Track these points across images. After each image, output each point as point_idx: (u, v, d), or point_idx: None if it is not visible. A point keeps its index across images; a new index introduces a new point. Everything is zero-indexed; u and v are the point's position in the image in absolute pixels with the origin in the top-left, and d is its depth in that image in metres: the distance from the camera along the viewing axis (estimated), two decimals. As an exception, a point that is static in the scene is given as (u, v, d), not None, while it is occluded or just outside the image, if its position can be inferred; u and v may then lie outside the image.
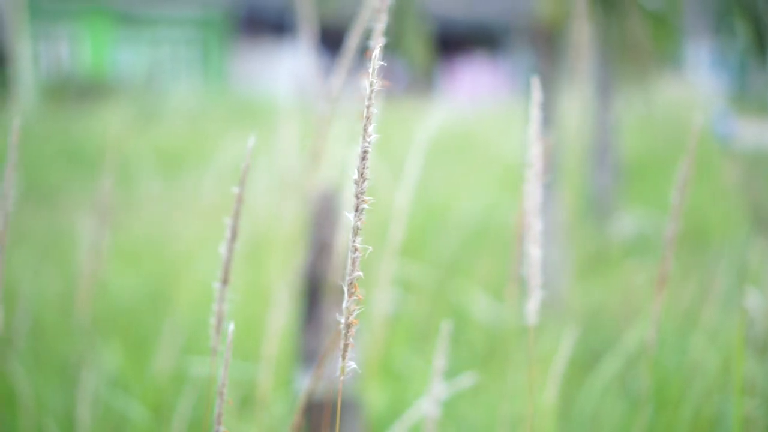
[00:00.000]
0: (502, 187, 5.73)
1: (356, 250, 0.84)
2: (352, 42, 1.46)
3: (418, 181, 5.82)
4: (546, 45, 4.54)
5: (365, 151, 0.83)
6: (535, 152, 1.16)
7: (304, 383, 1.89)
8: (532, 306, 1.13)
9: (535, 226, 1.13)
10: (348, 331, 0.88)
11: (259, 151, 5.14)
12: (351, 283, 0.86)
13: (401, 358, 2.28)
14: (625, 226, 4.38)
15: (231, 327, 0.93)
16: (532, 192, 1.15)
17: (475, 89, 17.13)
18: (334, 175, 2.39)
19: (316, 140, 1.49)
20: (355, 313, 0.87)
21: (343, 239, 1.90)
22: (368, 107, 0.82)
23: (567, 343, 2.58)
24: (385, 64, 1.15)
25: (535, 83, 1.11)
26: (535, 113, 1.13)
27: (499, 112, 11.64)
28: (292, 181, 1.74)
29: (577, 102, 8.63)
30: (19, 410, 2.18)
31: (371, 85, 0.82)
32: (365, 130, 0.82)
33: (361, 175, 0.83)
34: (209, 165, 4.63)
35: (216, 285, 1.10)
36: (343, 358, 0.89)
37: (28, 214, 6.02)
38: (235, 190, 1.06)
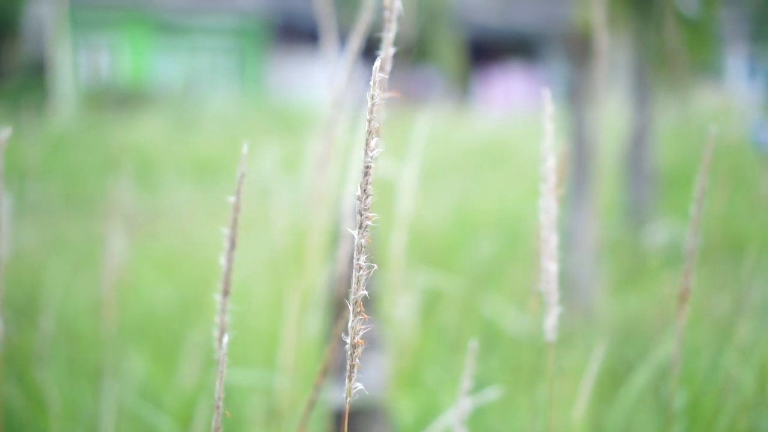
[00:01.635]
0: (535, 197, 5.69)
1: (361, 268, 0.83)
2: (354, 45, 1.45)
3: (452, 191, 5.78)
4: (581, 53, 4.51)
5: (368, 167, 0.81)
6: (549, 166, 1.14)
7: (331, 395, 1.89)
8: (551, 322, 1.12)
9: (551, 240, 1.11)
10: (354, 352, 0.85)
11: (292, 161, 5.16)
12: (356, 302, 0.84)
13: (431, 368, 2.27)
14: (660, 237, 4.33)
15: (225, 339, 0.92)
16: (548, 207, 1.13)
17: (510, 97, 17.07)
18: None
19: (322, 148, 1.48)
20: (361, 333, 0.85)
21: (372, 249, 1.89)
22: (370, 121, 0.81)
23: (597, 355, 2.54)
24: (414, 72, 1.13)
25: (546, 95, 1.10)
26: (548, 127, 1.11)
27: (534, 121, 11.59)
28: (319, 192, 1.74)
29: (612, 111, 8.55)
30: (49, 418, 2.20)
31: (373, 98, 0.81)
32: (367, 144, 0.81)
33: (364, 191, 0.82)
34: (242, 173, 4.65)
35: (216, 297, 1.10)
36: (350, 379, 0.86)
37: (66, 222, 6.08)
38: (231, 199, 1.06)
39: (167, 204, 5.58)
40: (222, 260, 1.02)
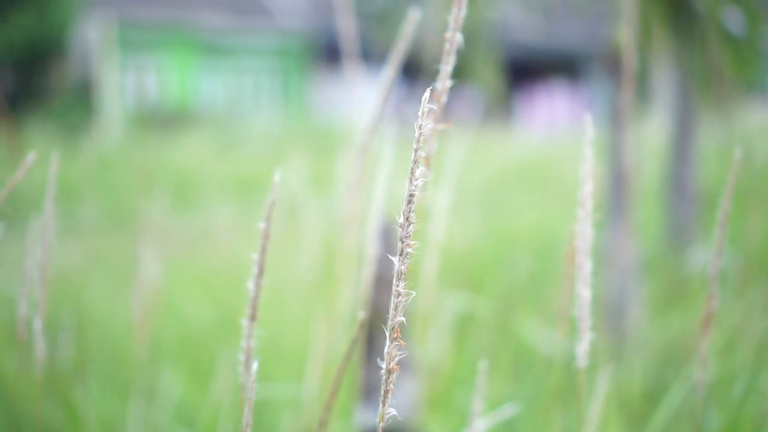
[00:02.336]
0: (571, 217, 5.66)
1: (399, 294, 0.83)
2: (392, 69, 1.45)
3: (491, 211, 5.77)
4: (619, 73, 4.48)
5: (411, 195, 0.82)
6: (587, 191, 1.14)
7: (364, 417, 1.89)
8: (583, 348, 1.11)
9: (586, 266, 1.10)
10: (389, 377, 0.86)
11: (329, 180, 5.18)
12: (393, 328, 0.84)
13: (463, 391, 2.26)
14: (703, 258, 4.28)
15: (255, 366, 0.92)
16: (584, 232, 1.13)
17: (553, 116, 17.01)
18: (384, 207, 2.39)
19: (354, 170, 1.49)
20: (396, 359, 0.85)
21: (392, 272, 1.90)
22: (416, 150, 0.82)
23: (604, 377, 2.52)
24: (455, 93, 1.14)
25: (587, 120, 1.09)
26: (587, 151, 1.11)
27: (576, 141, 11.53)
28: (349, 214, 1.74)
29: (655, 130, 8.48)
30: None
31: (421, 128, 0.82)
32: (412, 173, 0.81)
33: (407, 219, 0.82)
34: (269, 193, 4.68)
35: (243, 321, 1.10)
36: (383, 404, 0.86)
37: (110, 242, 6.16)
38: (261, 225, 1.06)
39: (207, 223, 5.63)
40: (250, 285, 1.04)
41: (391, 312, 0.84)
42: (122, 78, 17.58)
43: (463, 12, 1.04)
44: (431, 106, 0.84)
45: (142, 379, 2.33)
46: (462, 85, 13.21)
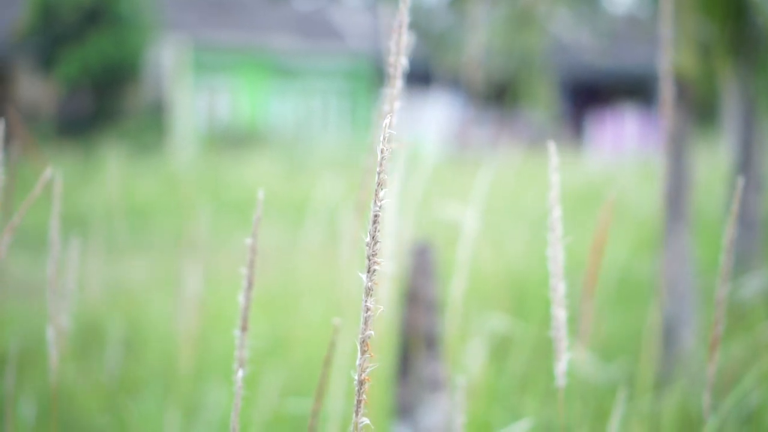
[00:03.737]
0: (632, 243, 5.62)
1: (368, 309, 0.87)
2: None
3: (544, 234, 5.73)
4: (685, 100, 4.46)
5: (376, 215, 0.86)
6: (556, 216, 1.17)
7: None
8: (561, 368, 1.14)
9: (560, 289, 1.14)
10: (361, 388, 0.89)
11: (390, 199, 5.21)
12: (363, 342, 0.88)
13: (499, 412, 2.28)
14: (759, 284, 4.23)
15: (240, 374, 0.97)
16: (556, 256, 1.16)
17: (623, 140, 16.86)
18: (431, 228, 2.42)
19: (361, 192, 1.53)
20: (368, 371, 0.89)
21: (440, 292, 1.93)
22: (379, 173, 0.86)
23: (672, 402, 2.51)
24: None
25: (552, 146, 1.13)
26: (554, 178, 1.14)
27: (643, 165, 11.42)
28: (390, 233, 1.79)
29: (720, 156, 8.35)
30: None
31: (382, 153, 0.86)
32: (376, 195, 0.85)
33: (373, 237, 0.86)
34: (308, 213, 4.74)
35: (236, 332, 1.15)
36: (356, 414, 0.90)
37: (176, 259, 6.29)
38: (248, 241, 1.11)
39: (268, 243, 5.73)
40: (240, 298, 1.08)
41: (361, 326, 0.88)
42: (194, 99, 17.93)
43: (404, 38, 1.08)
44: (391, 131, 0.88)
45: (188, 394, 2.39)
46: (520, 108, 13.19)
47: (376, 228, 0.86)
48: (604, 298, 3.68)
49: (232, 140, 15.67)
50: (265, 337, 3.53)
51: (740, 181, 1.37)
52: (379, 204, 0.86)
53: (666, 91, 1.86)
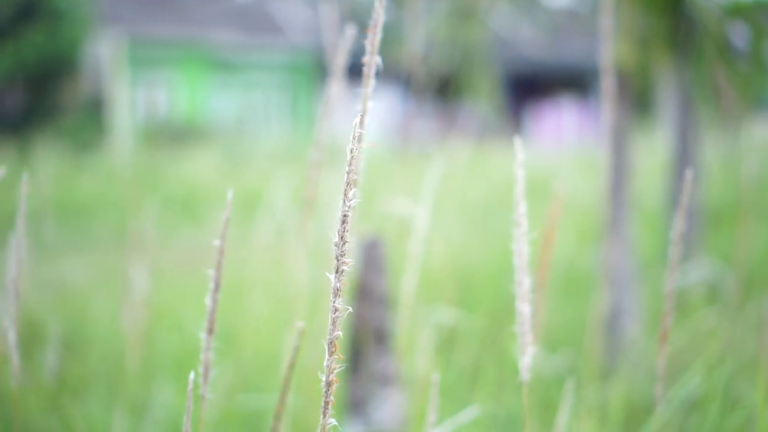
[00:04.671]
0: (576, 232, 5.68)
1: (337, 310, 0.87)
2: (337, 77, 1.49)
3: (494, 228, 5.75)
4: (625, 92, 4.51)
5: (345, 215, 0.86)
6: (521, 211, 1.18)
7: (350, 429, 1.92)
8: (526, 362, 1.14)
9: (525, 283, 1.14)
10: (329, 389, 0.89)
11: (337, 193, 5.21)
12: (332, 342, 0.87)
13: (447, 405, 2.29)
14: (701, 274, 4.30)
15: (191, 376, 0.96)
16: (521, 250, 1.17)
17: (561, 132, 17.03)
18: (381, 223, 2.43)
19: (307, 187, 1.53)
20: (336, 371, 0.89)
21: (389, 287, 1.93)
22: (349, 173, 0.85)
23: (623, 394, 2.55)
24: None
25: (518, 142, 1.13)
26: (520, 173, 1.15)
27: (582, 156, 11.56)
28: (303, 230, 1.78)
29: (658, 146, 8.48)
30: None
31: (352, 153, 0.85)
32: (346, 195, 0.85)
33: (341, 237, 0.86)
34: (261, 209, 4.72)
35: (202, 335, 1.14)
36: (324, 415, 0.90)
37: (116, 258, 6.21)
38: (216, 243, 1.10)
39: (211, 238, 5.68)
40: (207, 300, 1.07)
41: (330, 326, 0.88)
42: (133, 94, 17.71)
43: (379, 37, 1.08)
44: (361, 130, 0.88)
45: (135, 393, 2.36)
46: (462, 101, 13.28)
47: (345, 228, 0.86)
48: (550, 289, 3.72)
49: (171, 135, 15.51)
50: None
51: (688, 173, 1.39)
52: (348, 204, 0.85)
53: (607, 83, 1.88)
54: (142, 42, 18.23)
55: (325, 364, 0.88)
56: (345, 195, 0.86)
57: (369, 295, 1.89)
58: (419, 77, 4.60)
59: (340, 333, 0.87)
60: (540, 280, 1.64)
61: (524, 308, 1.11)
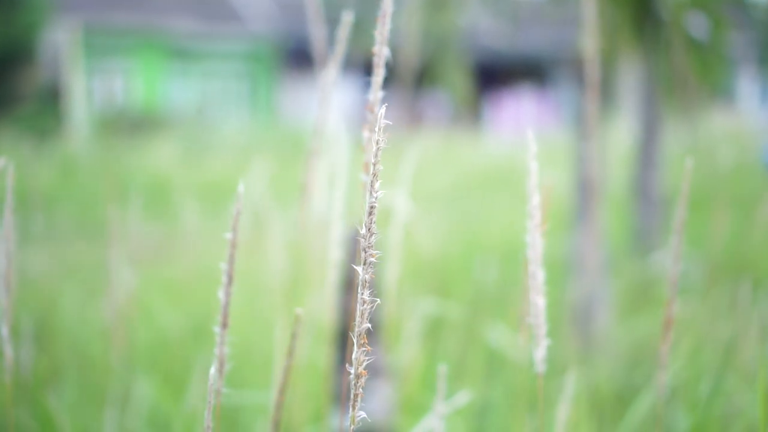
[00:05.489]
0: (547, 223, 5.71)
1: (365, 302, 0.87)
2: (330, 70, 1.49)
3: (458, 215, 5.79)
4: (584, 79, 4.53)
5: (372, 207, 0.85)
6: (535, 203, 1.18)
7: (337, 422, 1.92)
8: (540, 355, 1.15)
9: (539, 275, 1.15)
10: (357, 382, 0.89)
11: (295, 186, 5.19)
12: (360, 335, 0.87)
13: (433, 395, 2.29)
14: (665, 263, 4.35)
15: (212, 371, 0.95)
16: (534, 242, 1.17)
17: (521, 120, 17.13)
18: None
19: (305, 175, 1.52)
20: (364, 364, 0.89)
21: (376, 278, 1.93)
22: (374, 164, 0.85)
23: (602, 381, 2.57)
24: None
25: (530, 134, 1.13)
26: (533, 165, 1.15)
27: (544, 145, 11.62)
28: (305, 219, 1.77)
29: (622, 135, 8.56)
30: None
31: (377, 143, 0.85)
32: (372, 186, 0.85)
33: (369, 229, 0.86)
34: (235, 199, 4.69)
35: (216, 329, 1.13)
36: (353, 408, 0.90)
37: (78, 248, 6.13)
38: (228, 235, 1.09)
39: (178, 229, 5.63)
40: (220, 294, 1.06)
41: (357, 319, 0.87)
42: (90, 83, 17.49)
43: (388, 26, 1.07)
44: (387, 121, 0.88)
45: (115, 387, 2.34)
46: (431, 90, 13.29)
47: (371, 220, 0.85)
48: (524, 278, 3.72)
49: (129, 124, 15.34)
50: (184, 326, 3.47)
51: (655, 163, 1.39)
52: (375, 195, 0.85)
53: (590, 72, 1.88)
54: (100, 30, 18.01)
55: (353, 356, 0.88)
56: (372, 187, 0.85)
57: (354, 286, 1.88)
58: (409, 67, 4.58)
59: (369, 325, 0.87)
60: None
61: (539, 300, 1.12)
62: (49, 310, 4.02)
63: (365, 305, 0.86)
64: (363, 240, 0.86)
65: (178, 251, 4.97)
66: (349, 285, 1.92)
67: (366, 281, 0.86)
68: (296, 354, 1.86)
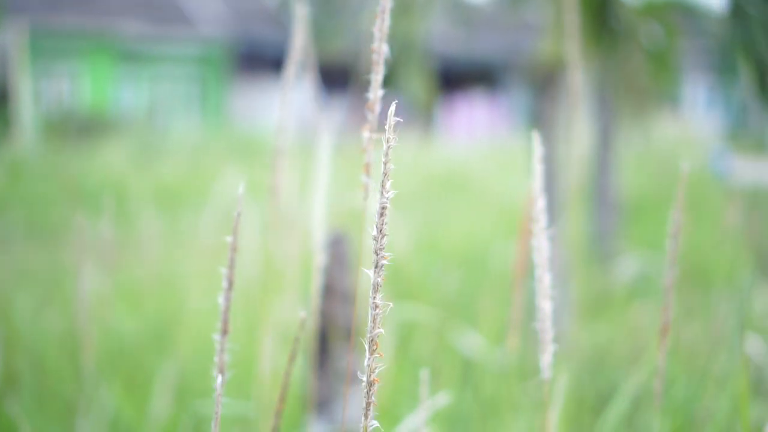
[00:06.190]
0: (497, 228, 5.73)
1: (377, 306, 0.84)
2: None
3: (416, 220, 5.77)
4: (548, 84, 4.56)
5: (383, 207, 0.83)
6: (539, 207, 1.16)
7: (316, 429, 1.88)
8: (547, 360, 1.12)
9: (545, 279, 1.12)
10: (370, 390, 0.86)
11: (257, 189, 5.14)
12: (372, 341, 0.84)
13: (406, 401, 2.27)
14: (627, 267, 4.37)
15: (219, 380, 0.91)
16: (541, 246, 1.15)
17: (473, 126, 17.20)
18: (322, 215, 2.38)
19: (274, 176, 1.48)
20: (377, 371, 0.85)
21: (352, 284, 1.90)
22: (386, 164, 0.82)
23: (566, 387, 2.56)
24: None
25: (537, 137, 1.11)
26: (538, 168, 1.13)
27: (496, 150, 11.68)
28: (276, 221, 1.74)
29: (577, 140, 8.61)
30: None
31: (388, 142, 0.82)
32: (383, 186, 0.82)
33: (380, 231, 0.83)
34: (207, 203, 4.64)
35: (215, 336, 1.09)
36: (366, 417, 0.87)
37: (29, 254, 6.01)
38: (229, 239, 1.05)
39: (132, 233, 5.54)
40: (220, 300, 1.02)
41: (370, 324, 0.85)
42: (37, 86, 17.21)
43: (388, 23, 1.05)
44: (398, 119, 0.85)
45: (77, 394, 2.27)
46: (394, 94, 13.28)
47: (383, 221, 0.82)
48: (489, 282, 3.73)
49: (78, 128, 15.11)
50: (143, 331, 3.41)
51: (611, 168, 1.38)
52: (386, 195, 0.82)
53: (574, 80, 1.87)
54: (47, 32, 17.74)
55: (365, 363, 0.85)
56: (383, 186, 0.82)
57: (334, 291, 1.85)
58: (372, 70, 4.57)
59: (382, 330, 0.84)
60: (517, 275, 1.62)
61: (545, 305, 1.09)
62: (2, 315, 3.92)
63: (377, 310, 0.83)
64: (375, 242, 0.83)
65: (133, 256, 4.89)
66: (328, 289, 1.89)
67: (378, 285, 0.83)
68: (294, 360, 1.82)
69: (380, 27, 1.04)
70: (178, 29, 18.97)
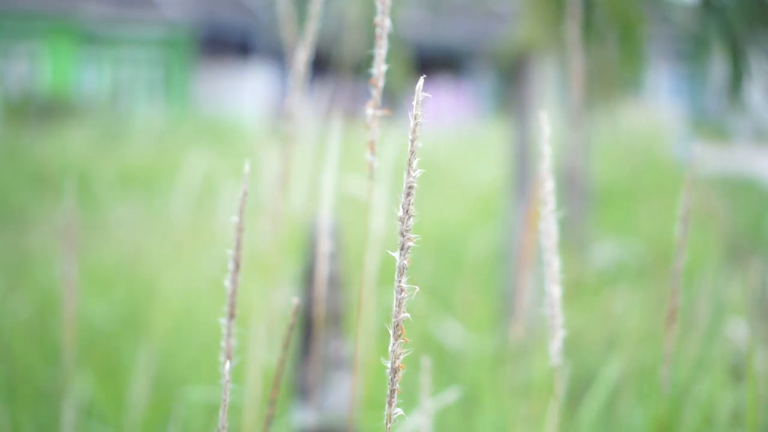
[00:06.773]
0: (470, 213, 5.72)
1: (402, 290, 0.80)
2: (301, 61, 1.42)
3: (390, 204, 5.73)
4: (518, 70, 4.55)
5: (410, 187, 0.80)
6: (548, 189, 1.13)
7: (301, 416, 1.85)
8: (556, 346, 1.10)
9: (554, 264, 1.10)
10: (395, 377, 0.82)
11: (225, 173, 5.09)
12: (397, 326, 0.81)
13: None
14: (599, 253, 4.38)
15: (227, 366, 0.88)
16: (549, 230, 1.12)
17: (439, 112, 17.19)
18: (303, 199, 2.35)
19: (283, 162, 1.45)
20: (401, 357, 0.82)
21: (334, 270, 1.87)
22: (413, 141, 0.79)
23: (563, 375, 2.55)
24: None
25: (544, 118, 1.08)
26: (545, 149, 1.10)
27: (463, 136, 11.67)
28: (271, 205, 1.70)
29: (548, 127, 8.64)
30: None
31: (416, 119, 0.79)
32: (410, 164, 0.79)
33: (407, 212, 0.80)
34: (175, 186, 4.57)
35: (222, 321, 1.05)
36: (390, 404, 0.83)
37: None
38: (234, 219, 1.01)
39: (98, 218, 5.46)
40: (226, 282, 0.98)
41: (395, 308, 0.81)
42: (-3, 67, 16.95)
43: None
44: (426, 94, 0.82)
45: (56, 382, 2.23)
46: (359, 80, 13.24)
47: (409, 201, 0.79)
48: (466, 269, 3.71)
49: (38, 110, 14.89)
50: (114, 314, 3.35)
51: (581, 155, 1.36)
52: (413, 174, 0.79)
53: (575, 66, 1.85)
54: (7, 12, 17.45)
55: (390, 348, 0.82)
56: (410, 165, 0.79)
57: (330, 278, 1.82)
58: (351, 57, 4.53)
59: (408, 315, 0.81)
60: (522, 263, 1.60)
61: (554, 290, 1.07)
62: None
63: (403, 294, 0.80)
64: (401, 223, 0.80)
65: (100, 239, 4.82)
66: (310, 275, 1.86)
67: (404, 267, 0.80)
68: (287, 347, 1.79)
69: (383, 1, 1.01)
70: (142, 11, 18.75)
